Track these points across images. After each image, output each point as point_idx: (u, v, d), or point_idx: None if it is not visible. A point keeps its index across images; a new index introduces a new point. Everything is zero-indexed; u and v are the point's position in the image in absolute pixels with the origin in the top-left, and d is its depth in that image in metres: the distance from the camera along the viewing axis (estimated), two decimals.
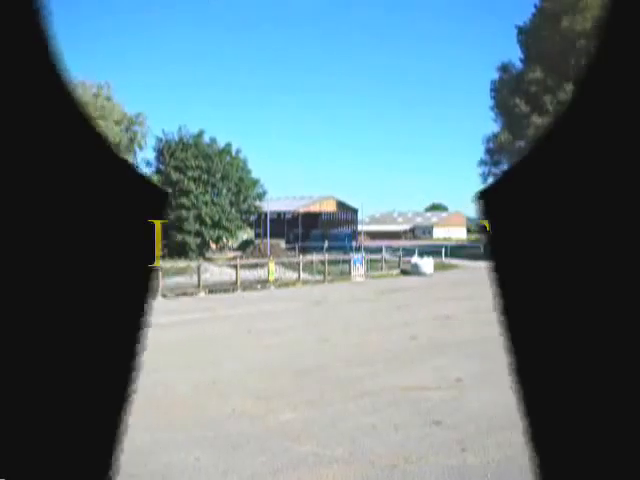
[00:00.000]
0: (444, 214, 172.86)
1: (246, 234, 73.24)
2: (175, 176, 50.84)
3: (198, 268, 28.02)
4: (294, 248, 55.73)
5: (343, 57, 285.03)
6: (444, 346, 13.95)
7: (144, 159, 55.41)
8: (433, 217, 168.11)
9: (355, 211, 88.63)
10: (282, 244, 59.82)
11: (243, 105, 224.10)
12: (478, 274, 35.54)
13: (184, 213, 50.27)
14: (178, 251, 50.34)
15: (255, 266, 35.10)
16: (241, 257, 42.72)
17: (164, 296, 24.98)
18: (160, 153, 53.92)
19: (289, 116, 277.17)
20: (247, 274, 32.63)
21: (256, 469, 6.75)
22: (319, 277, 33.28)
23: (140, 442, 7.59)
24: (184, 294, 25.95)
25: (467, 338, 14.99)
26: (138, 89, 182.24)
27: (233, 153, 56.38)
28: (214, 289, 27.55)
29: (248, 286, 29.09)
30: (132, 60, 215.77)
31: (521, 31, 59.21)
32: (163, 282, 26.18)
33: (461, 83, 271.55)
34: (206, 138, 54.51)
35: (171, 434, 7.92)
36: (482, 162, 60.28)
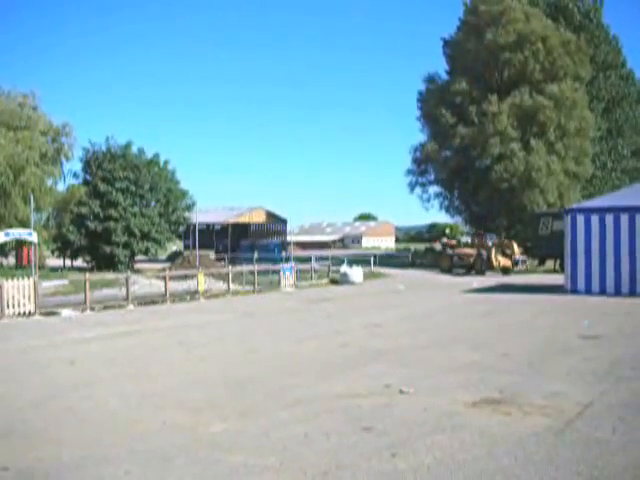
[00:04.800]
0: (372, 223, 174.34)
1: (175, 245, 72.61)
2: (103, 187, 50.16)
3: (127, 280, 27.62)
4: (223, 259, 55.50)
5: (270, 68, 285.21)
6: (375, 354, 14.07)
7: (71, 170, 54.48)
8: (362, 227, 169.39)
9: (284, 221, 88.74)
10: (211, 255, 59.50)
11: (171, 116, 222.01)
12: (406, 282, 35.66)
13: (112, 225, 49.60)
14: (106, 263, 49.64)
15: (184, 277, 34.82)
16: (170, 268, 42.34)
17: (92, 309, 24.61)
18: (87, 164, 53.11)
19: (218, 128, 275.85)
20: (176, 286, 32.37)
21: None
22: (249, 288, 33.17)
23: (68, 458, 7.48)
24: (112, 307, 25.58)
25: (397, 345, 15.16)
26: (65, 99, 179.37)
27: (161, 164, 55.91)
28: (143, 301, 27.20)
29: (178, 298, 28.83)
30: (60, 70, 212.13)
31: (446, 43, 60.26)
32: (91, 295, 25.78)
33: (388, 94, 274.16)
34: (134, 149, 53.96)
35: (100, 449, 7.80)
36: (409, 172, 61.02)
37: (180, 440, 8.08)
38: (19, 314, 22.65)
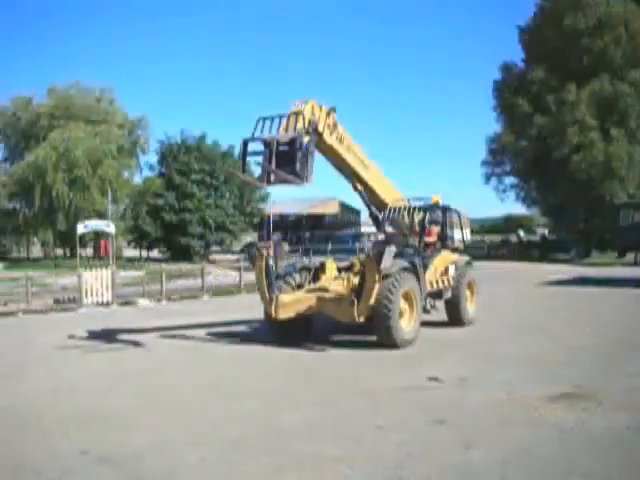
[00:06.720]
0: None
1: (249, 237, 73.25)
2: (178, 179, 50.86)
3: (202, 271, 28.00)
4: (298, 250, 55.71)
5: (343, 57, 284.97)
6: (448, 345, 13.95)
7: (147, 163, 55.50)
8: None
9: (358, 213, 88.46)
10: (286, 246, 59.78)
11: (244, 107, 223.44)
12: (481, 273, 35.18)
13: (187, 216, 50.27)
14: (181, 254, 50.36)
15: None
16: (244, 260, 42.66)
17: (168, 299, 24.97)
18: (163, 157, 53.95)
19: None
20: (251, 276, 32.54)
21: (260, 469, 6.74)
22: None
23: (143, 443, 7.61)
24: (188, 297, 25.90)
25: (470, 337, 14.98)
26: (141, 92, 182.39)
27: (235, 155, 56.34)
28: (218, 292, 27.47)
29: (252, 289, 28.98)
30: (135, 63, 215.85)
31: (522, 31, 58.95)
32: (166, 285, 26.15)
33: (463, 83, 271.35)
34: (209, 141, 54.52)
35: (174, 434, 7.90)
36: (485, 163, 60.07)
37: (252, 428, 8.13)
38: (97, 303, 23.11)
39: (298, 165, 12.53)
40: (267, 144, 12.96)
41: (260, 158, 13.14)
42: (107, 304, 23.29)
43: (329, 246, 51.81)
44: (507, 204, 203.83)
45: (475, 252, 59.23)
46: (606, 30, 51.28)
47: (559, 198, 55.16)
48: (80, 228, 26.30)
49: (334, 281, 14.94)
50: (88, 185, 45.43)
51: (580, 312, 19.71)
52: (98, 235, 43.41)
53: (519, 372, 11.00)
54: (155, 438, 7.80)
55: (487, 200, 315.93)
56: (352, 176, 15.28)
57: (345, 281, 14.72)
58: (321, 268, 15.55)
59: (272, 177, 13.05)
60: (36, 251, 54.31)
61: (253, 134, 13.16)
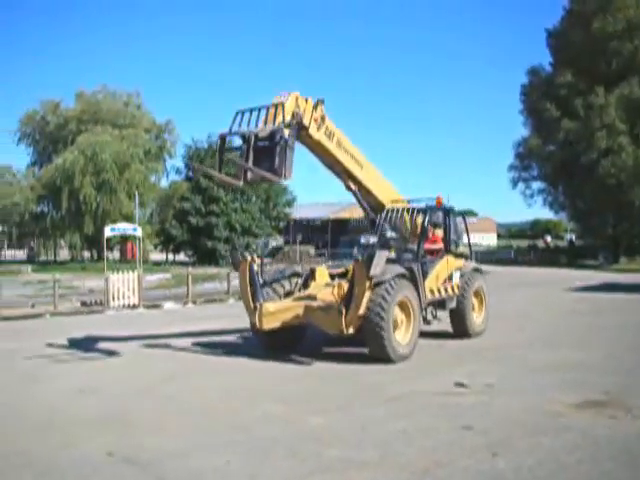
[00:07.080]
0: (474, 219, 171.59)
1: (275, 241, 73.39)
2: (205, 183, 51.07)
3: (228, 275, 28.04)
4: (323, 254, 55.68)
5: (372, 63, 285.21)
6: (473, 352, 13.87)
7: (173, 167, 55.84)
8: (462, 223, 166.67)
9: None
10: (311, 250, 59.77)
11: None
12: (508, 279, 34.86)
13: (214, 220, 50.45)
14: (208, 258, 50.53)
15: None
16: (270, 264, 42.73)
17: (194, 303, 25.03)
18: (189, 160, 54.23)
19: None
20: None
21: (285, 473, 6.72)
22: None
23: (170, 446, 7.64)
24: (214, 301, 25.97)
25: (496, 344, 14.88)
26: (168, 97, 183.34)
27: None
28: None
29: None
30: (162, 68, 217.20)
31: (550, 34, 58.44)
32: (192, 288, 26.22)
33: (491, 87, 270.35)
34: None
35: (201, 438, 7.91)
36: (512, 167, 59.53)
37: (278, 432, 8.11)
38: (124, 306, 23.24)
39: (277, 160, 11.84)
40: (246, 139, 12.36)
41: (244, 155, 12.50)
42: (133, 307, 23.42)
43: (354, 250, 51.66)
44: (534, 209, 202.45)
45: (502, 257, 59.08)
46: (636, 33, 50.70)
47: (587, 203, 54.60)
48: (107, 231, 26.48)
49: (324, 288, 13.67)
50: (115, 189, 45.80)
51: (606, 318, 19.51)
52: (125, 238, 43.79)
53: (544, 379, 10.89)
54: (182, 442, 7.82)
55: (514, 205, 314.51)
56: (344, 174, 14.15)
57: (335, 288, 13.27)
58: (312, 274, 14.55)
59: (249, 175, 12.52)
60: (63, 254, 54.74)
61: (231, 129, 12.55)
